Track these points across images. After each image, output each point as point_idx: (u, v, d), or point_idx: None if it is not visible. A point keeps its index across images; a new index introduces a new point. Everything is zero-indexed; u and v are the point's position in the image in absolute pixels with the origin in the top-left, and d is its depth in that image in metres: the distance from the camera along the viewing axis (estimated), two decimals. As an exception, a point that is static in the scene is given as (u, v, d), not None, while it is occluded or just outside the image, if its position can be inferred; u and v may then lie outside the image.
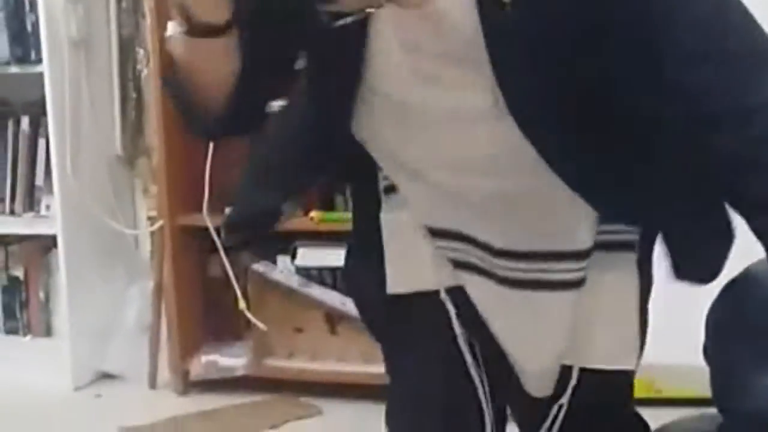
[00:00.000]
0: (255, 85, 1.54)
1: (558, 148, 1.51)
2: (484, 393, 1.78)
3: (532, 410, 1.80)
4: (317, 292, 3.58)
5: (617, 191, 1.57)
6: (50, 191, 3.82)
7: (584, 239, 1.65)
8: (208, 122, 1.58)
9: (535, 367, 1.75)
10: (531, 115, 1.48)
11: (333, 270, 3.59)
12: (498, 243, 1.66)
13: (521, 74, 1.46)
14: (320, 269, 3.60)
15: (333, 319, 3.60)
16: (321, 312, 3.60)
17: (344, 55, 1.55)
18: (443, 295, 1.76)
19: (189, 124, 1.61)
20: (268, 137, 1.77)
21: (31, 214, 3.93)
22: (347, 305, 3.55)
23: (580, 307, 1.69)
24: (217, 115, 1.56)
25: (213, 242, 3.60)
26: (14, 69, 3.79)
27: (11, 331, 4.01)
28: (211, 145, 3.55)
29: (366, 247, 1.80)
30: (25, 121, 3.92)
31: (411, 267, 1.77)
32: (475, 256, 1.70)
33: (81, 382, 3.80)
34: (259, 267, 3.63)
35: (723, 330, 1.56)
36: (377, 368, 3.51)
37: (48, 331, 3.99)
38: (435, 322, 1.78)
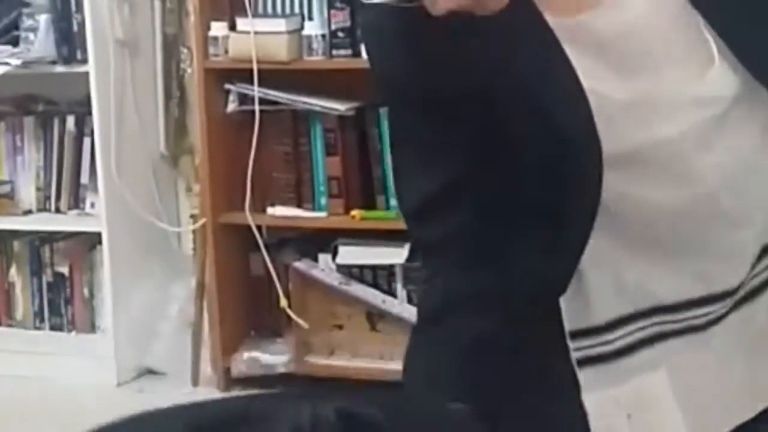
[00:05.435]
0: None
1: None
2: None
3: None
4: (358, 289, 3.59)
5: None
6: (95, 189, 3.86)
7: None
8: None
9: None
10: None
11: (373, 268, 3.60)
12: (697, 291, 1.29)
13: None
14: (361, 267, 3.61)
15: (373, 316, 3.62)
16: (361, 310, 3.62)
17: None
18: None
19: None
20: None
21: (76, 212, 3.98)
22: (387, 303, 3.57)
23: None
24: None
25: (255, 240, 3.63)
26: (60, 69, 3.83)
27: (56, 327, 4.05)
28: (254, 144, 3.58)
29: None
30: (70, 121, 3.96)
31: None
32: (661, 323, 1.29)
33: (124, 378, 3.84)
34: (301, 265, 3.65)
35: None
36: (417, 366, 3.54)
37: (92, 328, 4.02)
38: None
